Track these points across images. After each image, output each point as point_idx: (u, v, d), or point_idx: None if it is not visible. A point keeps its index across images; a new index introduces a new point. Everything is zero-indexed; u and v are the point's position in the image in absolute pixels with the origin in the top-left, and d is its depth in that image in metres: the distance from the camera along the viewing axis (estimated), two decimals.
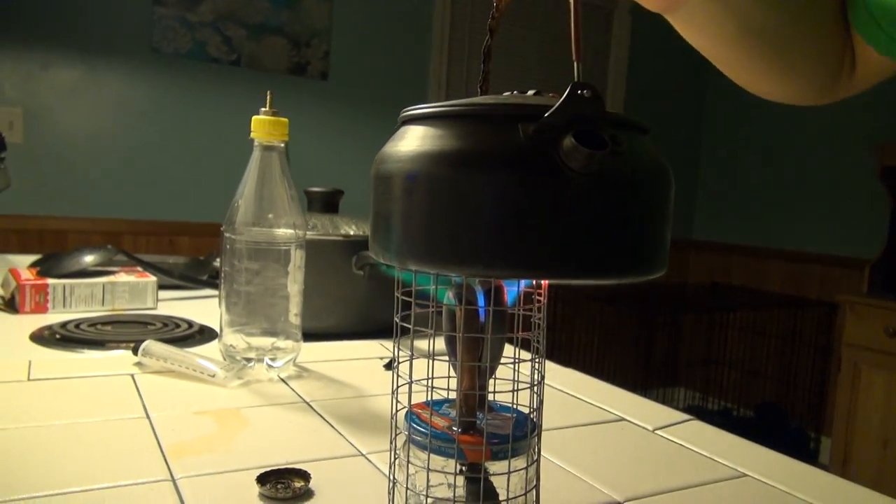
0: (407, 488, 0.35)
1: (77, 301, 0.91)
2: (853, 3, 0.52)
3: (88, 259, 0.97)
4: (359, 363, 0.74)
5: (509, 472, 0.34)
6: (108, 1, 2.30)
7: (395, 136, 0.33)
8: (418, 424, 0.34)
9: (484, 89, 0.37)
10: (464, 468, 0.34)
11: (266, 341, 0.66)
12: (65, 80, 2.29)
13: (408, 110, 0.33)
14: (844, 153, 2.94)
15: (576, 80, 0.29)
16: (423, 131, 0.31)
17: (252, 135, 0.65)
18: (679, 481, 0.48)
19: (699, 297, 3.33)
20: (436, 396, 0.36)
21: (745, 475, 0.50)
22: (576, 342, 3.04)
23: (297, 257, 0.67)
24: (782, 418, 2.99)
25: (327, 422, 0.56)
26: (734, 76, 0.57)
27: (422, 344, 0.34)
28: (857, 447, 2.35)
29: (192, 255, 1.37)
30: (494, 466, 0.34)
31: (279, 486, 0.42)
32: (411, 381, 0.34)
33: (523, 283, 0.34)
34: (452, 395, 0.36)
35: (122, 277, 0.95)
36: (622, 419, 0.61)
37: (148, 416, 0.54)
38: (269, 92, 0.66)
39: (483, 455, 0.33)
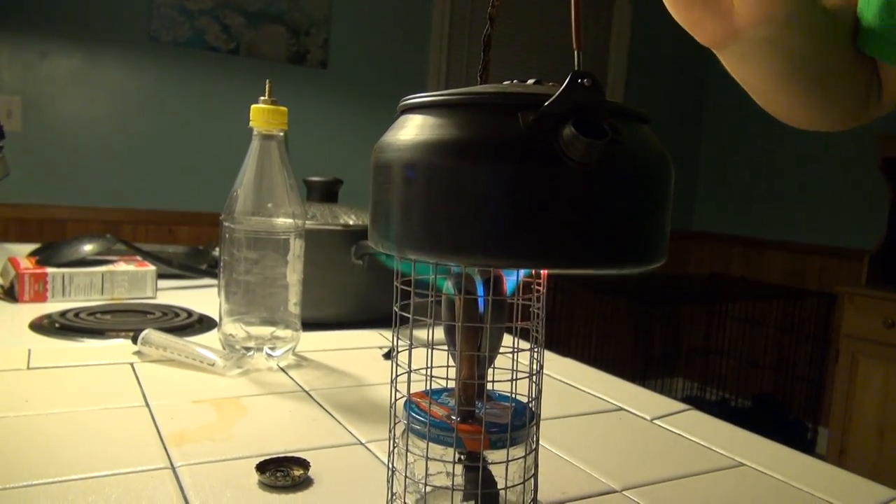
0: (406, 476, 0.35)
1: (76, 290, 0.91)
2: (863, 29, 0.54)
3: (87, 248, 0.97)
4: (358, 352, 0.74)
5: (508, 461, 0.34)
6: None
7: (395, 125, 0.32)
8: (417, 413, 0.35)
9: (484, 78, 0.37)
10: (462, 457, 0.34)
11: (265, 330, 0.66)
12: (63, 69, 2.28)
13: (407, 99, 0.32)
14: (845, 144, 2.93)
15: (576, 68, 0.29)
16: (423, 120, 0.31)
17: (251, 124, 0.65)
18: (677, 470, 0.48)
19: (698, 288, 3.33)
20: (435, 385, 0.36)
21: (742, 465, 0.50)
22: (575, 332, 3.04)
23: (297, 247, 0.67)
24: (780, 409, 3.00)
25: (326, 411, 0.56)
26: (773, 107, 0.59)
27: (421, 333, 0.34)
28: (853, 437, 2.36)
29: (192, 245, 1.37)
30: (493, 455, 0.34)
31: (278, 475, 0.42)
32: (410, 371, 0.34)
33: (522, 272, 0.34)
34: (451, 385, 0.36)
35: (122, 266, 0.95)
36: (621, 409, 0.61)
37: (147, 405, 0.55)
38: (267, 81, 0.65)
39: (482, 444, 0.34)
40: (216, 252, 1.16)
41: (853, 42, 0.56)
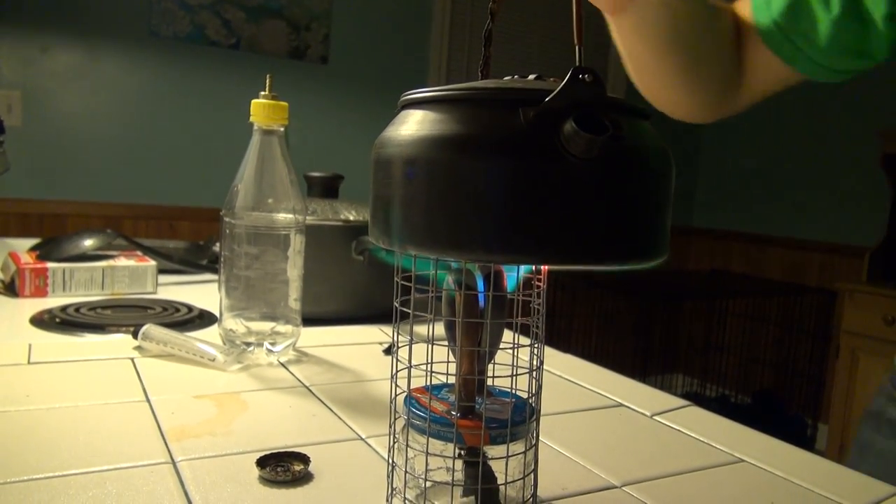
0: (406, 472, 0.35)
1: (77, 285, 0.91)
2: (766, 24, 0.63)
3: (88, 243, 0.97)
4: (358, 348, 0.74)
5: (507, 457, 0.34)
6: None
7: (395, 121, 0.32)
8: (417, 409, 0.35)
9: (485, 73, 0.37)
10: (462, 452, 0.34)
11: (266, 326, 0.66)
12: (64, 63, 2.28)
13: (408, 94, 0.32)
14: (846, 141, 2.93)
15: (577, 64, 0.29)
16: (423, 115, 0.31)
17: (251, 119, 0.65)
18: (676, 466, 0.48)
19: (698, 284, 3.33)
20: (435, 381, 0.36)
21: (742, 461, 0.50)
22: (575, 328, 3.04)
23: (297, 242, 0.67)
24: (780, 405, 3.00)
25: (327, 406, 0.56)
26: (648, 83, 0.67)
27: (421, 329, 0.34)
28: (853, 434, 2.36)
29: (192, 240, 1.37)
30: (493, 451, 0.34)
31: (279, 470, 0.42)
32: (410, 366, 0.34)
33: (523, 268, 0.34)
34: (451, 380, 0.36)
35: (122, 262, 0.95)
36: (620, 405, 0.61)
37: (148, 400, 0.55)
38: (268, 76, 0.65)
39: (482, 439, 0.34)
40: (216, 247, 1.16)
41: (735, 35, 0.65)
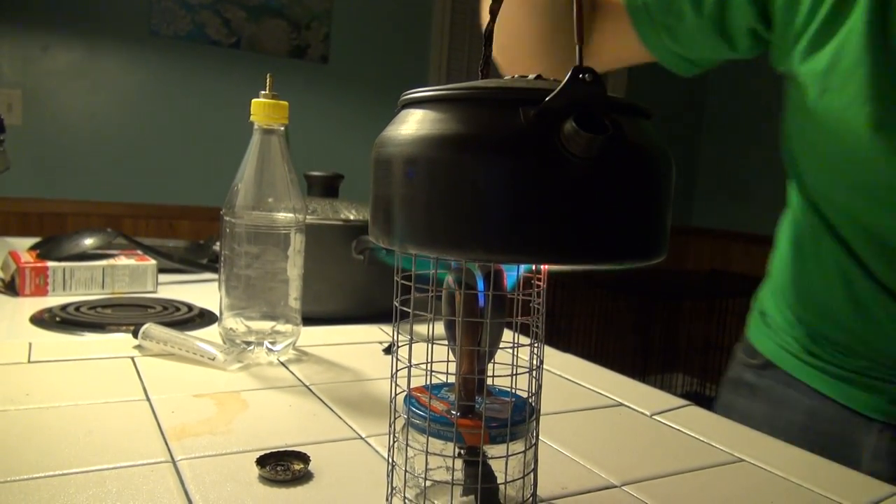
0: (406, 471, 0.35)
1: (77, 284, 0.91)
2: (636, 4, 0.64)
3: (88, 242, 0.97)
4: (358, 347, 0.74)
5: (507, 456, 0.34)
6: None
7: (396, 120, 0.32)
8: (417, 408, 0.35)
9: (485, 73, 0.37)
10: (462, 452, 0.34)
11: (266, 325, 0.66)
12: (64, 62, 2.28)
13: (408, 94, 0.32)
14: None
15: (577, 63, 0.29)
16: (424, 115, 0.31)
17: (252, 118, 0.65)
18: (676, 466, 0.49)
19: (698, 284, 3.33)
20: (435, 380, 0.36)
21: (741, 460, 0.50)
22: (575, 328, 3.05)
23: (297, 241, 0.67)
24: None
25: (326, 405, 0.56)
26: (511, 54, 0.69)
27: (421, 328, 0.34)
28: None
29: (192, 239, 1.37)
30: (493, 450, 0.34)
31: (279, 469, 0.42)
32: (410, 365, 0.34)
33: (523, 267, 0.34)
34: (451, 380, 0.36)
35: (122, 261, 0.95)
36: (620, 404, 0.61)
37: (148, 399, 0.55)
38: (268, 75, 0.65)
39: (482, 438, 0.34)
40: (217, 246, 1.16)
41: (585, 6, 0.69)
